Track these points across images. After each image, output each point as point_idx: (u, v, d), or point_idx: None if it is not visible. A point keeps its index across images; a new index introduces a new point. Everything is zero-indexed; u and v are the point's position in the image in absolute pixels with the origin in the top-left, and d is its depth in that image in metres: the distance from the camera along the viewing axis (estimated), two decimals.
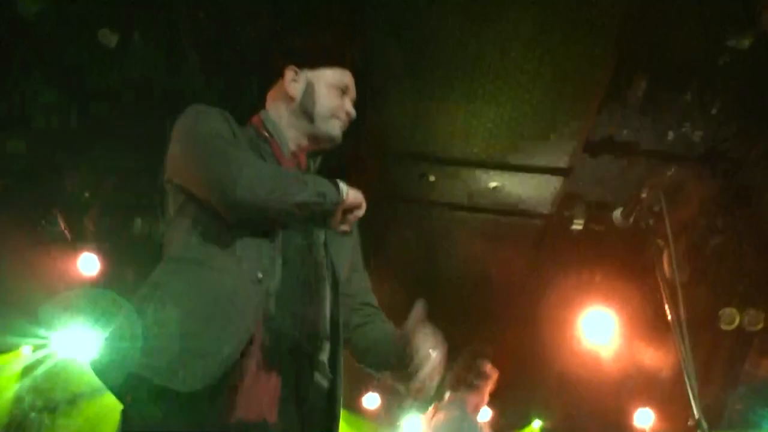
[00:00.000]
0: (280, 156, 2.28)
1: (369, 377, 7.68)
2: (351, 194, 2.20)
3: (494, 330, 7.58)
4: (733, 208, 5.95)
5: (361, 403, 8.30)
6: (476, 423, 4.07)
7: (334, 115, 2.37)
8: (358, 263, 2.55)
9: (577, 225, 6.01)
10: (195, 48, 4.85)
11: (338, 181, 2.18)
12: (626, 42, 4.50)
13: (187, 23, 4.69)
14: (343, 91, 2.41)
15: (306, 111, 2.36)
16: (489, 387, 4.34)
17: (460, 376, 4.31)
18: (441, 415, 4.12)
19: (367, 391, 8.23)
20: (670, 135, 5.28)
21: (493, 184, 5.91)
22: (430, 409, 4.28)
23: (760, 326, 6.95)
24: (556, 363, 7.41)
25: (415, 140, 5.60)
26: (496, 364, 7.86)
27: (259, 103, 2.48)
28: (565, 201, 6.04)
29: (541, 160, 5.67)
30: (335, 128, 2.39)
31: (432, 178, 5.92)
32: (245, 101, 2.69)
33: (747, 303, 6.90)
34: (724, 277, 6.60)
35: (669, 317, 2.63)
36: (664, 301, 2.65)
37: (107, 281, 6.56)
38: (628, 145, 5.43)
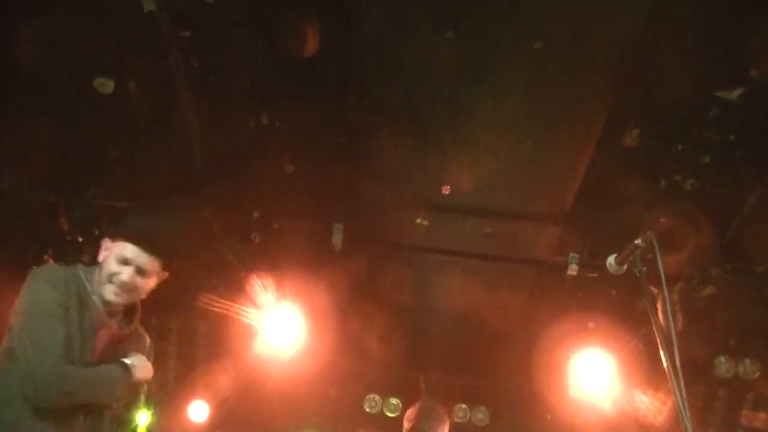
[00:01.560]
0: (98, 313, 2.90)
1: (364, 419, 7.56)
2: (138, 371, 2.88)
3: (488, 376, 7.55)
4: (726, 259, 5.98)
5: None
6: None
7: (109, 281, 2.92)
8: None
9: (572, 271, 6.02)
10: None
11: (125, 361, 2.85)
12: (618, 94, 4.58)
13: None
14: (125, 262, 2.92)
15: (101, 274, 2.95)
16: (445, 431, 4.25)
17: (413, 427, 4.23)
18: None
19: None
20: (662, 183, 5.34)
21: (487, 230, 5.94)
22: None
23: (756, 375, 6.93)
24: (551, 409, 7.35)
25: (409, 187, 5.64)
26: (494, 410, 7.84)
27: None
28: (559, 247, 6.07)
29: (535, 208, 5.71)
30: (108, 291, 2.91)
31: (425, 224, 5.95)
32: None
33: (742, 352, 6.90)
34: (719, 326, 6.60)
35: (664, 365, 2.63)
36: (659, 348, 2.66)
37: None
38: (621, 193, 5.47)
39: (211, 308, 6.70)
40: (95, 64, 4.78)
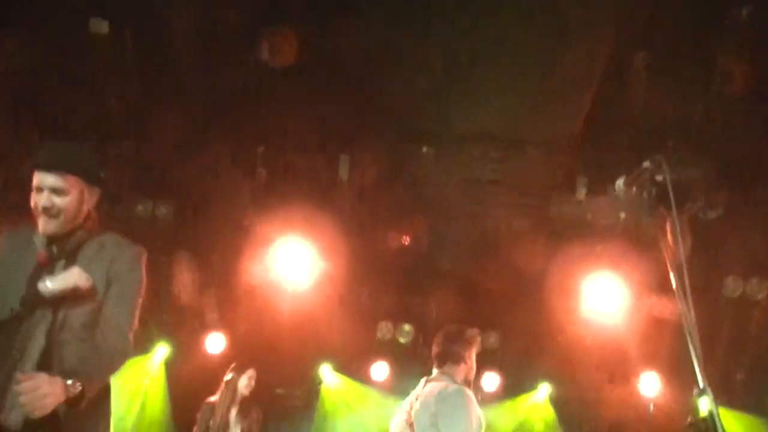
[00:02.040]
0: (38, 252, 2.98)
1: (377, 347, 7.71)
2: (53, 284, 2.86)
3: (503, 300, 7.64)
4: (734, 181, 5.96)
5: (368, 373, 8.39)
6: (467, 392, 4.02)
7: (37, 216, 2.95)
8: None
9: (580, 195, 6.03)
10: None
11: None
12: (624, 17, 4.50)
13: None
14: (39, 190, 2.94)
15: None
16: (474, 353, 4.30)
17: (443, 350, 4.26)
18: (429, 388, 4.10)
19: (375, 360, 8.32)
20: (671, 109, 5.29)
21: (498, 157, 5.93)
22: (420, 384, 4.24)
23: (764, 294, 7.00)
24: (564, 330, 7.47)
25: (422, 117, 5.61)
26: (505, 333, 7.96)
27: None
28: (568, 172, 6.07)
29: (543, 133, 5.69)
30: (40, 225, 2.94)
31: (435, 152, 5.94)
32: None
33: (750, 272, 6.96)
34: (728, 247, 6.63)
35: (673, 285, 2.66)
36: (669, 269, 2.68)
37: None
38: (629, 119, 5.43)
39: (224, 241, 6.77)
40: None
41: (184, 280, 7.44)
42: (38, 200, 2.94)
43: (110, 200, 6.42)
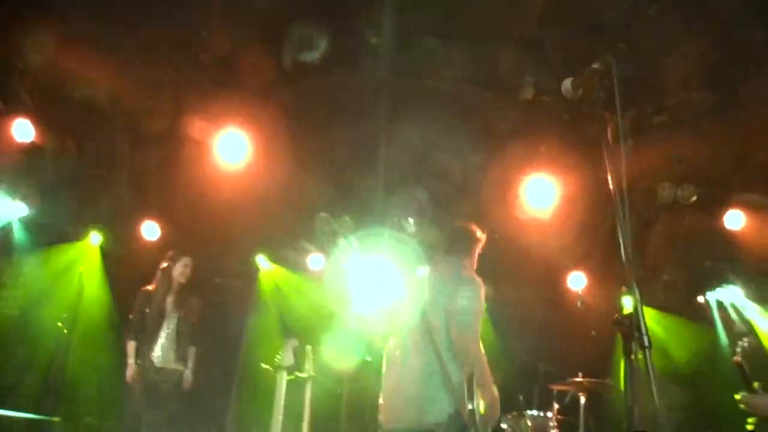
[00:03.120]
0: None
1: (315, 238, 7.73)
2: None
3: (444, 197, 7.69)
4: (679, 89, 6.01)
5: (305, 263, 8.47)
6: (475, 277, 4.10)
7: None
8: None
9: (527, 94, 6.00)
10: None
11: None
12: None
13: None
14: None
15: None
16: (478, 251, 4.39)
17: (454, 240, 4.37)
18: (437, 272, 4.20)
19: (309, 253, 8.39)
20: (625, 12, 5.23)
21: (445, 55, 5.83)
22: (425, 270, 4.34)
23: (693, 200, 7.23)
24: (500, 228, 7.59)
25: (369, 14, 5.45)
26: (442, 229, 8.05)
27: None
28: (517, 71, 6.01)
29: (494, 31, 5.58)
30: None
31: (381, 43, 5.80)
32: None
33: (683, 178, 7.14)
34: (665, 153, 6.77)
35: (611, 187, 2.69)
36: (607, 171, 2.70)
37: (45, 149, 6.43)
38: (582, 20, 5.36)
39: (162, 130, 6.59)
40: None
41: (122, 165, 7.26)
42: None
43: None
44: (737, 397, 4.15)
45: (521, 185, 7.13)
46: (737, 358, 4.38)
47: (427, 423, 3.81)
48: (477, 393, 3.85)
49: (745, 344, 4.36)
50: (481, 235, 4.38)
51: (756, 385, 4.18)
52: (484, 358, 3.92)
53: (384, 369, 4.15)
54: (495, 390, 3.91)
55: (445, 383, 3.82)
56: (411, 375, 3.93)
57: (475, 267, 4.33)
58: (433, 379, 3.85)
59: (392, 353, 4.15)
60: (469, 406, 3.79)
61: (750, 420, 4.21)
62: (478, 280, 4.06)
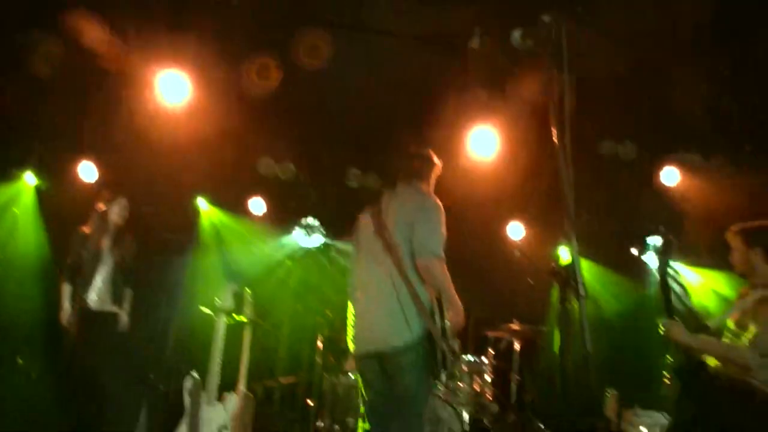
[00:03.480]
0: None
1: (257, 182, 7.68)
2: None
3: (387, 143, 7.68)
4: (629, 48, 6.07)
5: (246, 207, 8.41)
6: (437, 201, 4.16)
7: None
8: None
9: (474, 44, 5.98)
10: None
11: None
12: None
13: None
14: None
15: None
16: (436, 176, 4.45)
17: (412, 166, 4.38)
18: (398, 198, 4.22)
19: (253, 195, 8.33)
20: None
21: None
22: (384, 198, 4.33)
23: (634, 157, 7.39)
24: (444, 178, 7.62)
25: None
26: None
27: None
28: (465, 22, 5.96)
29: None
30: None
31: None
32: None
33: (624, 135, 7.29)
34: (609, 109, 6.87)
35: (554, 140, 2.74)
36: (551, 124, 2.74)
37: None
38: None
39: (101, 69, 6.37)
40: None
41: (58, 104, 7.01)
42: None
43: None
44: (659, 321, 4.31)
45: (465, 136, 7.15)
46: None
47: (397, 343, 3.91)
48: (445, 310, 4.00)
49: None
50: (437, 161, 4.45)
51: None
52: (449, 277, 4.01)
53: (350, 304, 4.24)
54: (458, 301, 4.05)
55: (413, 304, 3.91)
56: (378, 299, 4.01)
57: (433, 191, 4.38)
58: (400, 301, 3.93)
59: (356, 284, 4.23)
60: (439, 325, 3.95)
61: (668, 356, 4.40)
62: (439, 203, 4.13)
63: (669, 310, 4.12)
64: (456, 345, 4.03)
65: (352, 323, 4.19)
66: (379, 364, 4.03)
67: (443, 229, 4.05)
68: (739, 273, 4.36)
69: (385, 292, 3.98)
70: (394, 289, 3.96)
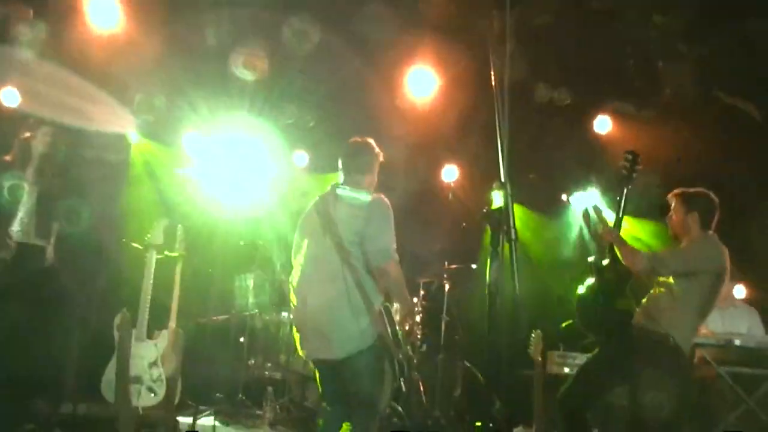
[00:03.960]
0: None
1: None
2: None
3: (318, 82, 7.58)
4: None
5: (180, 139, 8.22)
6: (382, 197, 4.07)
7: None
8: None
9: None
10: None
11: None
12: None
13: None
14: None
15: None
16: (378, 166, 4.32)
17: (353, 157, 4.25)
18: (346, 201, 4.08)
19: (184, 131, 8.15)
20: None
21: None
22: (328, 191, 4.20)
23: (567, 102, 7.49)
24: (376, 117, 7.59)
25: None
26: (322, 115, 8.02)
27: None
28: None
29: None
30: None
31: None
32: None
33: (559, 81, 7.36)
34: (545, 54, 6.91)
35: (492, 83, 2.74)
36: (491, 69, 2.75)
37: None
38: None
39: None
40: None
41: None
42: None
43: None
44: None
45: (403, 77, 7.11)
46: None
47: (351, 351, 3.84)
48: (397, 311, 4.08)
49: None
50: (378, 150, 4.29)
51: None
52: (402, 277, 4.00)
53: (294, 301, 4.09)
54: (410, 300, 4.16)
55: (366, 310, 3.84)
56: (329, 304, 3.89)
57: (375, 183, 4.28)
58: (352, 307, 3.84)
59: (303, 284, 4.05)
60: (390, 329, 3.96)
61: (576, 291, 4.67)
62: (386, 200, 4.04)
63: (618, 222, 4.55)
64: (409, 350, 4.07)
65: (298, 325, 4.10)
66: (332, 369, 3.97)
67: (392, 226, 3.98)
68: (673, 233, 4.69)
69: (336, 298, 3.86)
70: (346, 293, 3.85)
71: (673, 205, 4.62)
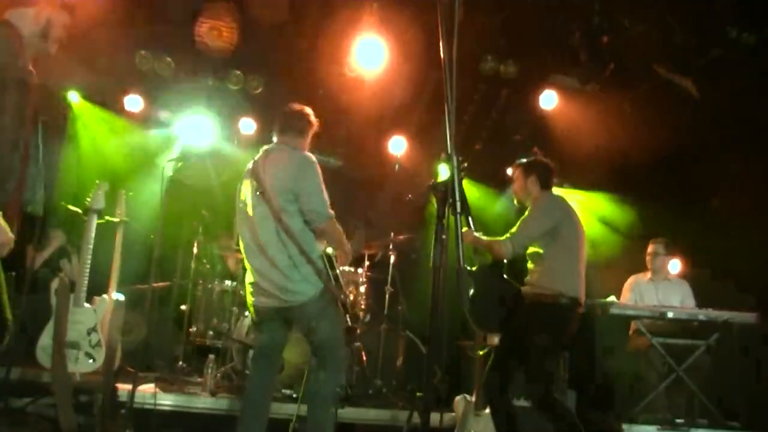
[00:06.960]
0: None
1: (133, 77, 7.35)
2: None
3: (271, 48, 7.47)
4: None
5: (122, 104, 8.02)
6: (310, 156, 4.32)
7: None
8: None
9: None
10: None
11: None
12: None
13: None
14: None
15: None
16: (311, 133, 4.55)
17: (286, 123, 4.49)
18: (276, 161, 4.31)
19: (127, 93, 7.94)
20: None
21: None
22: (260, 154, 4.43)
23: (513, 76, 7.54)
24: (324, 85, 7.53)
25: None
26: (270, 81, 7.92)
27: None
28: None
29: None
30: None
31: None
32: None
33: (507, 54, 7.40)
34: (494, 26, 6.93)
35: (441, 54, 2.73)
36: (440, 38, 2.73)
37: None
38: None
39: None
40: None
41: None
42: None
43: None
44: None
45: (351, 45, 7.04)
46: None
47: (302, 299, 4.18)
48: (336, 262, 4.40)
49: None
50: (314, 119, 4.54)
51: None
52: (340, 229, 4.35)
53: (245, 258, 4.37)
54: (349, 247, 4.46)
55: (306, 263, 4.15)
56: (275, 263, 4.17)
57: (307, 149, 4.48)
58: (294, 262, 4.15)
59: (249, 246, 4.34)
60: (331, 276, 4.29)
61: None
62: (313, 158, 4.30)
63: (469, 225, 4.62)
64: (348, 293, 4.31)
65: (251, 281, 4.35)
66: (282, 317, 4.33)
67: (322, 182, 4.25)
68: (519, 202, 5.09)
69: (278, 255, 4.16)
70: (286, 250, 4.15)
71: (513, 175, 5.04)
